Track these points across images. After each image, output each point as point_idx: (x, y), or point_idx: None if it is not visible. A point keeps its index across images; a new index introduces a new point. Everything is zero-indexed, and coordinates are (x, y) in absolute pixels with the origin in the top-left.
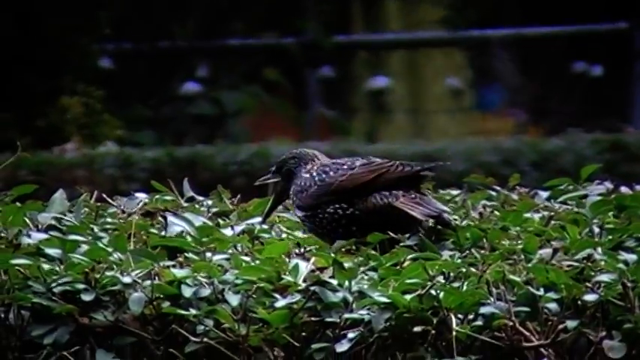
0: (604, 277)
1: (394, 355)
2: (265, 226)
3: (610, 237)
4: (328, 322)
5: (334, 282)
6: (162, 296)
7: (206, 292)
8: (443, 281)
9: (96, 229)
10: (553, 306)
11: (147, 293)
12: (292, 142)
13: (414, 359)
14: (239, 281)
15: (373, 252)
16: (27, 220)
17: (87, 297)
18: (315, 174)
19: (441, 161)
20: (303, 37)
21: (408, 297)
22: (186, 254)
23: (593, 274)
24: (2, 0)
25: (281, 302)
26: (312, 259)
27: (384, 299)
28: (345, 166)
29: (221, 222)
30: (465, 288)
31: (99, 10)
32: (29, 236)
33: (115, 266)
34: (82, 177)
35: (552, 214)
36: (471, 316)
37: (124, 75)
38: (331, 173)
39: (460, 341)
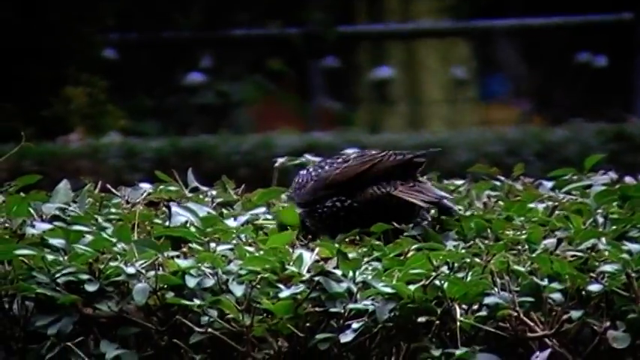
0: (608, 268)
1: (398, 345)
2: (269, 216)
3: (614, 227)
4: (332, 313)
5: (338, 272)
6: (166, 287)
7: (210, 282)
8: (447, 271)
9: (100, 219)
10: (557, 296)
11: (151, 284)
12: (296, 133)
13: (418, 349)
14: (243, 272)
15: (377, 242)
16: (31, 211)
17: (91, 287)
18: (311, 169)
19: (448, 152)
20: (307, 28)
21: (412, 287)
22: (190, 244)
23: (597, 264)
24: None
25: (285, 293)
26: (316, 250)
27: (388, 290)
28: (340, 160)
29: (225, 212)
30: (469, 278)
31: (103, 0)
32: (33, 226)
33: (119, 257)
34: (86, 167)
35: (556, 204)
36: (475, 307)
37: (128, 65)
38: (326, 167)
39: (464, 331)
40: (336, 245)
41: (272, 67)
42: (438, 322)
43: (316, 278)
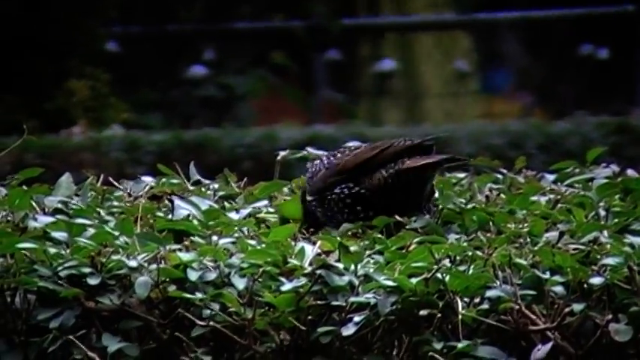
0: (610, 261)
1: (400, 338)
2: (272, 209)
3: (616, 220)
4: (334, 306)
5: (340, 266)
6: (168, 280)
7: (212, 275)
8: (449, 265)
9: (102, 212)
10: (559, 289)
11: (153, 277)
12: (299, 126)
13: (420, 343)
14: (245, 265)
15: (379, 235)
16: (33, 204)
17: (93, 281)
18: (324, 158)
19: (451, 145)
20: (310, 21)
21: (414, 280)
22: (192, 238)
23: (599, 257)
24: None
25: (287, 286)
26: (318, 243)
27: (390, 283)
28: (352, 148)
29: (227, 205)
30: (471, 271)
31: None
32: (35, 220)
33: (121, 250)
34: (88, 160)
35: (558, 197)
36: (477, 300)
37: (131, 58)
38: (338, 155)
39: (466, 325)
40: (338, 238)
41: (275, 60)
42: (439, 315)
43: (318, 271)
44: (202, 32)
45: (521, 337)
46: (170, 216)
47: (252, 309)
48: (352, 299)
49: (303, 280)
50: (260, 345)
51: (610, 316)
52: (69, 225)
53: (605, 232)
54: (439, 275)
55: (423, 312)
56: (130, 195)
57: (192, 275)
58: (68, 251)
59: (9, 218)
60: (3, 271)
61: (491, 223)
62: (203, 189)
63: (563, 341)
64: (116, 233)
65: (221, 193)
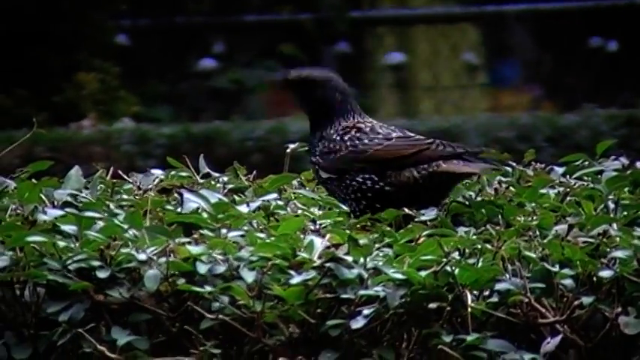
0: (619, 253)
1: (409, 331)
2: (281, 202)
3: (625, 213)
4: (343, 299)
5: (349, 259)
6: (177, 273)
7: (221, 268)
8: (458, 258)
9: (112, 205)
10: (568, 282)
11: (162, 270)
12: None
13: (429, 335)
14: (254, 258)
15: (388, 228)
16: (43, 197)
17: (102, 274)
18: (347, 138)
19: (460, 138)
20: (319, 13)
21: (423, 273)
22: (201, 231)
23: (608, 250)
24: None
25: (296, 279)
26: (327, 236)
27: (399, 276)
28: (381, 136)
29: (237, 198)
30: (480, 264)
31: None
32: (45, 213)
33: (130, 243)
34: (98, 153)
35: (568, 189)
36: (486, 293)
37: (141, 51)
38: (366, 140)
39: (475, 317)
40: (347, 231)
41: (285, 51)
42: (449, 308)
43: (327, 264)
44: (211, 25)
45: (530, 330)
46: (179, 209)
47: (261, 302)
48: (361, 292)
49: (312, 273)
50: (269, 338)
51: (619, 309)
52: (78, 218)
53: (615, 225)
54: (448, 268)
55: (432, 305)
56: (139, 188)
57: (202, 268)
58: (77, 244)
59: (18, 211)
60: (12, 264)
61: (500, 216)
62: (212, 182)
63: (573, 334)
64: (125, 226)
65: (230, 186)
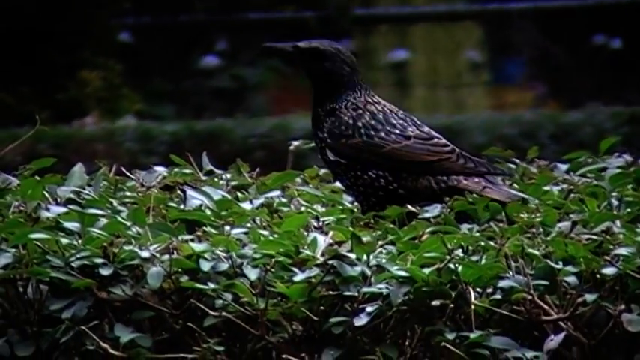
0: (623, 251)
1: (413, 328)
2: (284, 200)
3: (629, 210)
4: (346, 296)
5: (352, 256)
6: (180, 270)
7: (224, 266)
8: (461, 255)
9: (115, 203)
10: (572, 279)
11: (165, 267)
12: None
13: (432, 333)
14: (257, 255)
15: (391, 225)
16: (46, 194)
17: (105, 271)
18: (360, 124)
19: (463, 135)
20: (323, 11)
21: (426, 271)
22: (204, 228)
23: (611, 247)
24: None
25: (299, 276)
26: (331, 233)
27: (402, 273)
28: (398, 131)
29: (240, 196)
30: (483, 261)
31: None
32: (48, 210)
33: (133, 240)
34: (101, 151)
35: (571, 187)
36: (489, 290)
37: (144, 49)
38: (382, 134)
39: (478, 315)
40: (350, 228)
41: None
42: (452, 305)
43: (330, 262)
44: (215, 23)
45: (533, 327)
46: (182, 206)
47: (264, 299)
48: (364, 289)
49: (315, 271)
50: (272, 335)
51: (623, 306)
52: (81, 215)
53: (618, 222)
54: (452, 265)
55: (435, 302)
56: (142, 185)
57: (205, 265)
58: (80, 242)
59: (22, 208)
60: (15, 261)
61: (503, 213)
62: (215, 179)
63: (576, 331)
64: (128, 223)
65: (233, 184)
